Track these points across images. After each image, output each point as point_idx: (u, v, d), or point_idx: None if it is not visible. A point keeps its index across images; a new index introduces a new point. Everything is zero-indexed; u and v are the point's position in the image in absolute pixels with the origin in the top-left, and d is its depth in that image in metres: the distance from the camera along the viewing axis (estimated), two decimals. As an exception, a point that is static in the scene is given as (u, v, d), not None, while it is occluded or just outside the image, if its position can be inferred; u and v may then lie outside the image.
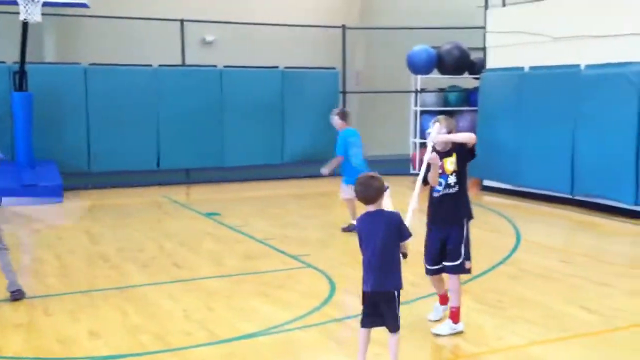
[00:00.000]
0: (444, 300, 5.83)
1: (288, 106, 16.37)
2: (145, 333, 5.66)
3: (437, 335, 5.51)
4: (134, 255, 8.47)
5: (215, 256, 8.44)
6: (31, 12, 12.10)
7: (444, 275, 5.72)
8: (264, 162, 16.18)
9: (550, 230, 10.32)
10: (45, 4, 12.30)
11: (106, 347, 5.40)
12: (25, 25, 12.43)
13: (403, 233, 4.62)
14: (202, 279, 7.40)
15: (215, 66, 15.99)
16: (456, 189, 5.54)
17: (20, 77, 13.15)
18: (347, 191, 9.36)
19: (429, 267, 5.70)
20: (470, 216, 5.66)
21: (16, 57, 13.25)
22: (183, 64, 15.84)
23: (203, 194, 13.99)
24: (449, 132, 5.55)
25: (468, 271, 5.65)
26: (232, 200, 13.13)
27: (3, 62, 13.86)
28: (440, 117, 5.72)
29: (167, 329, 5.75)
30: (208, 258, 8.37)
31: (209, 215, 11.07)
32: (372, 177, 4.65)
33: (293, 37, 18.28)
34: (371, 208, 4.65)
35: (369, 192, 4.61)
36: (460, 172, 5.54)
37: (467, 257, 5.56)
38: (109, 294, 6.84)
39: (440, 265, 5.65)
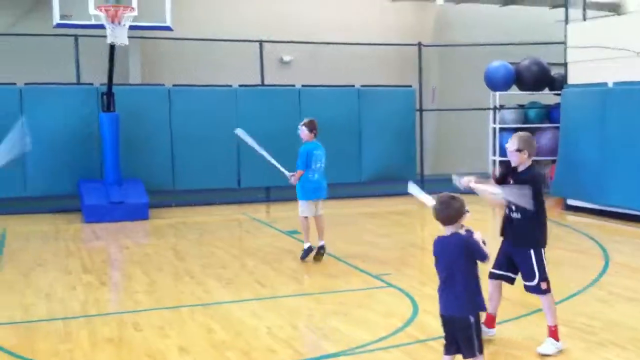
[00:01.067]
0: (489, 321, 5.80)
1: (365, 124, 16.45)
2: (231, 349, 5.78)
3: (544, 355, 5.45)
4: (218, 272, 8.66)
5: (296, 274, 8.55)
6: (118, 35, 12.57)
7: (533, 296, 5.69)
8: (342, 180, 16.25)
9: (639, 252, 9.99)
10: (131, 28, 12.77)
11: (195, 362, 5.56)
12: (112, 48, 12.92)
13: (479, 256, 4.49)
14: (284, 297, 7.50)
15: (293, 85, 16.25)
16: (519, 216, 5.53)
17: (107, 98, 13.68)
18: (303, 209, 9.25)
19: (491, 269, 5.76)
20: (538, 244, 5.59)
21: (104, 79, 13.80)
22: (262, 84, 16.15)
23: (283, 212, 14.16)
24: (519, 150, 5.56)
25: (544, 292, 5.58)
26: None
27: (91, 84, 14.46)
28: (516, 134, 5.70)
29: (253, 346, 5.85)
30: (289, 276, 8.48)
31: (290, 233, 11.21)
32: (453, 197, 4.51)
33: (368, 55, 18.41)
34: (448, 230, 4.54)
35: (449, 212, 4.49)
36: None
37: (542, 278, 5.54)
38: (195, 310, 7.02)
39: (502, 273, 5.73)
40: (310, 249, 9.13)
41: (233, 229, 12.24)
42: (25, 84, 14.08)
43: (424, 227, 13.01)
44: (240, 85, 15.71)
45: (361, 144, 16.44)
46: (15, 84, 14.03)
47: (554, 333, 5.52)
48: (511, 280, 5.81)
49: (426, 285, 7.72)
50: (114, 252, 10.47)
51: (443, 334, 4.62)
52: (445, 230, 4.56)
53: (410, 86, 17.15)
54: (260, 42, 16.31)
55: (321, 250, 9.12)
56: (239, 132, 9.90)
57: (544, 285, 5.54)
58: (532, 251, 5.53)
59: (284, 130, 15.72)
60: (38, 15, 15.17)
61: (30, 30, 15.19)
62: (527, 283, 5.59)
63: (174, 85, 15.22)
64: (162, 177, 14.37)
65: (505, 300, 5.99)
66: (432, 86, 18.84)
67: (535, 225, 5.56)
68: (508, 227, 5.68)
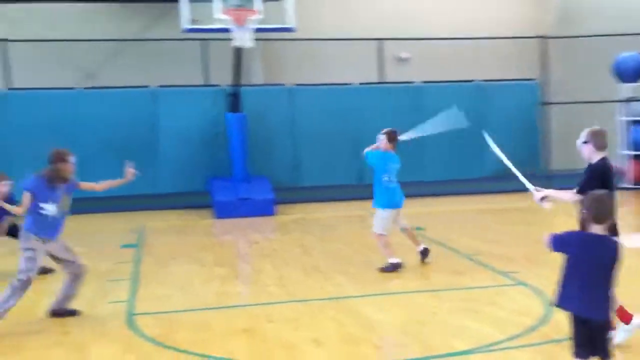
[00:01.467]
0: (622, 317, 5.62)
1: (486, 119, 16.15)
2: (363, 343, 5.89)
3: (620, 344, 5.43)
4: (344, 267, 8.83)
5: (421, 270, 8.58)
6: (243, 38, 13.02)
7: None
8: (463, 176, 16.12)
9: None
10: (255, 30, 13.18)
11: (328, 355, 5.70)
12: (238, 51, 13.39)
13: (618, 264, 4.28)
14: (411, 293, 7.55)
15: (412, 82, 16.23)
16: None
17: (234, 99, 14.19)
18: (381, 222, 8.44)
19: None
20: None
21: (229, 80, 14.33)
22: (381, 82, 16.23)
23: (404, 208, 14.14)
24: (585, 143, 5.61)
25: None
26: (433, 214, 13.21)
27: (218, 86, 15.05)
28: (591, 128, 5.68)
29: (384, 341, 5.96)
30: (415, 272, 8.52)
31: (415, 229, 11.20)
32: (607, 195, 4.34)
33: (487, 50, 18.07)
34: (598, 229, 4.27)
35: (605, 210, 4.27)
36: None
37: None
38: (325, 304, 7.21)
39: None
40: (398, 265, 8.45)
41: (356, 224, 12.39)
42: (158, 86, 14.84)
43: (551, 223, 12.65)
44: (359, 83, 15.87)
45: (482, 138, 16.14)
46: (148, 86, 14.83)
47: (620, 317, 5.52)
48: None
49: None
50: (244, 247, 10.89)
51: (573, 335, 4.50)
52: (593, 229, 4.30)
53: (533, 79, 16.72)
54: (379, 40, 16.40)
55: (427, 252, 8.82)
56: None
57: None
58: None
59: (404, 125, 15.69)
60: (168, 21, 15.93)
61: (161, 35, 15.99)
62: None
63: (295, 85, 15.58)
64: (287, 174, 14.77)
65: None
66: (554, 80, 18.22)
67: None
68: None
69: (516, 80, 16.73)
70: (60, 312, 6.84)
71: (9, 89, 14.39)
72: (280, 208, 13.85)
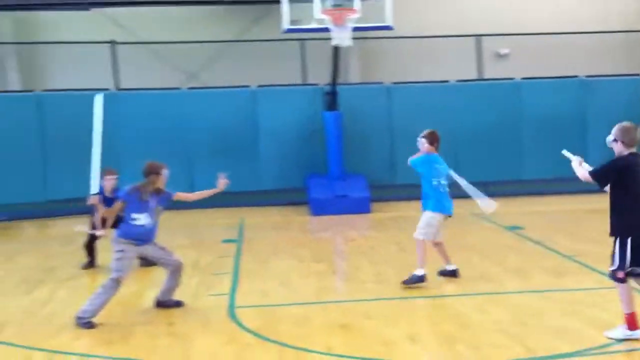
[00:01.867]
0: (630, 322, 5.71)
1: (590, 116, 15.66)
2: (460, 342, 5.86)
3: (609, 338, 5.70)
4: (441, 266, 8.77)
5: (521, 271, 8.42)
6: (342, 37, 13.11)
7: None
8: (563, 174, 15.59)
9: None
10: (353, 29, 13.25)
11: (425, 353, 5.72)
12: (336, 49, 13.50)
13: None
14: (510, 293, 7.44)
15: (512, 79, 15.90)
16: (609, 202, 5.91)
17: (331, 97, 14.34)
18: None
19: None
20: (621, 233, 5.83)
21: (327, 79, 14.48)
22: (480, 79, 15.98)
23: (502, 207, 13.83)
24: (614, 141, 5.93)
25: (619, 280, 5.80)
26: (531, 213, 12.93)
27: (316, 84, 15.23)
28: (619, 124, 5.90)
29: (482, 341, 5.90)
30: (514, 272, 8.38)
31: (511, 228, 11.04)
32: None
33: (591, 43, 17.46)
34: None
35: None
36: (612, 188, 5.93)
37: (620, 267, 5.78)
38: (421, 302, 7.21)
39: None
40: (423, 278, 7.78)
41: (453, 223, 12.16)
42: (258, 86, 15.19)
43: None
44: (457, 81, 15.68)
45: (586, 136, 15.67)
46: (248, 86, 15.20)
47: (627, 321, 5.67)
48: None
49: (667, 287, 7.25)
50: (340, 244, 11.02)
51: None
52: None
53: (640, 75, 16.07)
54: (478, 36, 16.16)
55: (455, 274, 8.15)
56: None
57: (619, 274, 5.77)
58: (617, 239, 5.84)
59: (504, 124, 15.47)
60: (267, 22, 16.27)
61: (260, 36, 16.34)
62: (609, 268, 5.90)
63: (393, 83, 15.57)
64: (383, 172, 14.77)
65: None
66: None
67: (617, 213, 5.91)
68: None
69: (623, 75, 16.09)
70: (166, 303, 7.15)
71: (118, 89, 15.08)
72: (376, 206, 13.90)
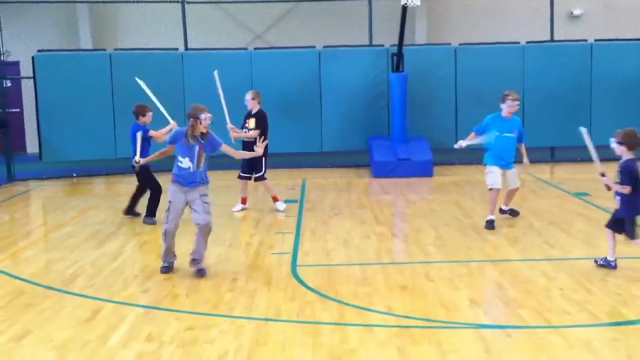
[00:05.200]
0: None
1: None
2: (524, 307, 5.83)
3: None
4: (505, 230, 8.70)
5: (587, 237, 8.26)
6: (411, -3, 12.87)
7: None
8: (636, 140, 15.15)
9: None
10: (422, -12, 12.98)
11: (486, 316, 5.71)
12: (404, 9, 13.28)
13: None
14: (576, 260, 7.32)
15: (584, 40, 15.38)
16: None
17: (397, 59, 14.16)
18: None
19: None
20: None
21: (393, 40, 14.29)
22: (551, 40, 15.52)
23: (569, 173, 13.63)
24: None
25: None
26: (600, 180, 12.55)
27: (382, 46, 15.06)
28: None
29: (545, 306, 5.84)
30: (580, 239, 8.23)
31: (578, 195, 10.80)
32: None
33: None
34: None
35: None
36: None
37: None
38: (484, 265, 7.17)
39: None
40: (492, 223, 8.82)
41: (519, 189, 12.06)
42: (324, 46, 15.12)
43: None
44: (527, 42, 15.26)
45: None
46: (314, 46, 15.15)
47: None
48: None
49: None
50: (402, 206, 11.00)
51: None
52: None
53: None
54: (550, -5, 15.64)
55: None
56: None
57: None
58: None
59: (574, 88, 15.02)
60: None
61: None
62: None
63: (460, 44, 15.27)
64: (446, 135, 14.58)
65: None
66: None
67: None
68: None
69: None
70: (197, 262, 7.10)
71: (187, 49, 15.26)
72: (438, 169, 13.78)
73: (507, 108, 9.00)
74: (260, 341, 5.25)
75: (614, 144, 6.84)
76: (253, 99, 10.16)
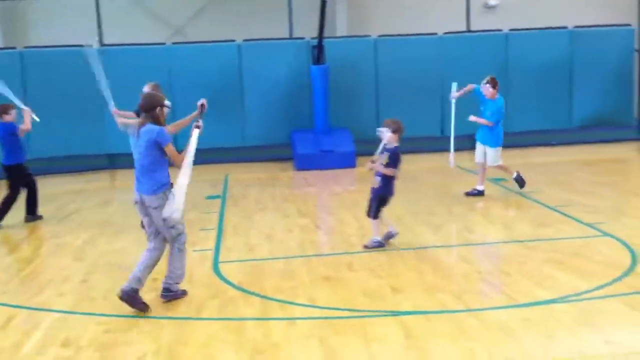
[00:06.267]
0: None
1: (577, 67, 15.60)
2: (443, 292, 5.92)
3: None
4: (426, 218, 8.83)
5: (505, 221, 8.48)
6: (328, -11, 12.86)
7: None
8: (551, 126, 15.66)
9: None
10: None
11: (408, 302, 5.76)
12: (323, 2, 13.27)
13: None
14: (494, 244, 7.50)
15: (499, 30, 15.75)
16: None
17: (318, 51, 14.17)
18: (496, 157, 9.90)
19: None
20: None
21: (314, 32, 14.29)
22: (468, 30, 15.83)
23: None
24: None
25: None
26: (518, 166, 12.83)
27: (302, 38, 15.04)
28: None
29: (464, 290, 5.96)
30: (498, 223, 8.43)
31: (496, 181, 11.06)
32: None
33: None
34: None
35: None
36: None
37: None
38: (405, 254, 7.25)
39: None
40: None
41: (439, 176, 12.30)
42: (244, 40, 14.99)
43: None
44: (445, 33, 15.53)
45: (572, 88, 15.65)
46: (234, 40, 15.00)
47: None
48: None
49: (647, 235, 7.34)
50: (326, 198, 11.03)
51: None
52: None
53: (629, 25, 15.94)
54: (466, -14, 15.95)
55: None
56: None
57: None
58: None
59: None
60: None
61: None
62: None
63: (379, 36, 15.40)
64: (368, 126, 14.65)
65: None
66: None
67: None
68: None
69: (611, 26, 15.96)
70: None
71: (102, 45, 14.85)
72: (361, 160, 13.84)
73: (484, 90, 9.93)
74: (181, 340, 5.15)
75: (387, 132, 7.41)
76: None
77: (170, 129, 6.11)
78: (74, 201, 11.21)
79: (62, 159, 14.27)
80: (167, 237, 5.94)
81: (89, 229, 8.99)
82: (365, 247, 7.44)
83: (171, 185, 5.90)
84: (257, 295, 6.09)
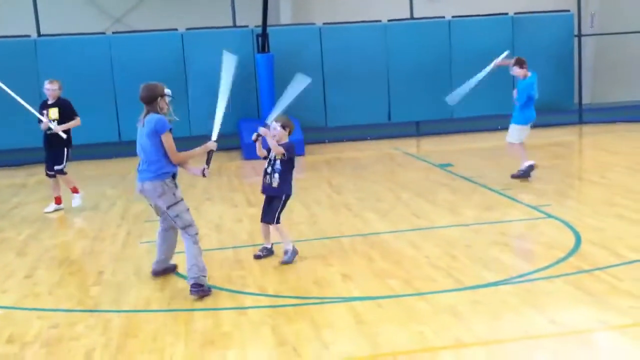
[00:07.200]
0: None
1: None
2: (393, 278, 5.97)
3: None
4: (374, 204, 8.88)
5: (452, 206, 8.58)
6: (270, -23, 12.79)
7: None
8: (493, 112, 15.91)
9: None
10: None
11: (358, 289, 5.79)
12: (266, -11, 13.20)
13: None
14: (441, 228, 7.58)
15: (442, 17, 15.92)
16: None
17: (262, 39, 14.08)
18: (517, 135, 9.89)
19: None
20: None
21: (257, 21, 14.20)
22: (411, 18, 15.95)
23: (434, 146, 14.14)
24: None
25: None
26: (462, 151, 13.14)
27: (246, 27, 14.93)
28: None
29: (413, 275, 6.01)
30: (445, 208, 8.53)
31: (442, 166, 11.21)
32: None
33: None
34: None
35: None
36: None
37: None
38: (355, 240, 7.28)
39: None
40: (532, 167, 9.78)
41: (386, 163, 12.40)
42: (186, 29, 14.78)
43: (582, 157, 12.53)
44: (389, 20, 15.61)
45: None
46: (176, 29, 14.78)
47: None
48: None
49: (589, 216, 7.53)
50: (274, 187, 10.97)
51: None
52: None
53: (568, 11, 16.30)
54: (408, -27, 16.05)
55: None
56: None
57: None
58: None
59: (434, 63, 15.54)
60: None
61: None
62: None
63: (324, 24, 15.39)
64: (316, 115, 14.72)
65: None
66: (590, 12, 17.75)
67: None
68: None
69: (551, 12, 16.30)
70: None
71: (39, 35, 14.45)
72: (309, 148, 13.89)
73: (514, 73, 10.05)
74: (130, 333, 5.07)
75: (277, 128, 6.83)
76: (60, 88, 9.29)
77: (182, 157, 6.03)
78: (15, 195, 10.92)
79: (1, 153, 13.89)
80: (177, 226, 5.95)
81: (32, 224, 8.77)
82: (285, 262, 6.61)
83: (173, 175, 5.89)
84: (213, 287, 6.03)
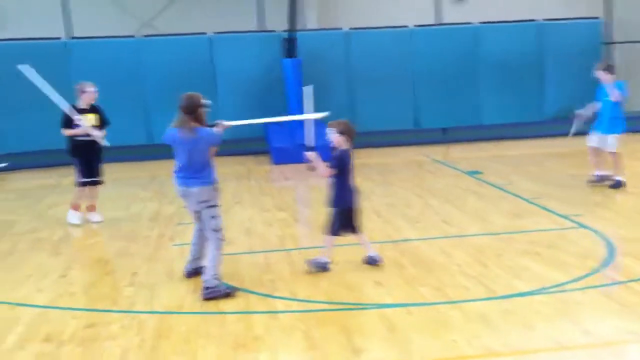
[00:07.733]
0: None
1: (546, 60, 15.82)
2: (424, 285, 5.97)
3: None
4: (403, 211, 8.88)
5: (481, 214, 8.56)
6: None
7: None
8: (522, 119, 15.86)
9: None
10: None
11: (389, 296, 5.80)
12: (293, -5, 13.27)
13: None
14: (471, 236, 7.56)
15: (470, 23, 15.89)
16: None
17: (289, 44, 14.15)
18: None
19: None
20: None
21: (284, 25, 14.27)
22: (438, 23, 15.94)
23: (462, 153, 14.10)
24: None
25: None
26: (491, 158, 13.09)
27: (274, 31, 15.01)
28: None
29: (445, 282, 6.01)
30: (475, 215, 8.50)
31: (471, 173, 11.18)
32: None
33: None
34: None
35: None
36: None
37: None
38: (385, 247, 7.28)
39: None
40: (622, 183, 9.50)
41: (414, 169, 12.40)
42: (214, 33, 14.90)
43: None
44: (415, 25, 15.61)
45: (543, 81, 15.86)
46: (205, 33, 14.90)
47: None
48: None
49: (622, 227, 7.48)
50: (303, 191, 11.05)
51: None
52: None
53: (597, 18, 16.19)
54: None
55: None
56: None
57: None
58: None
59: (460, 68, 15.51)
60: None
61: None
62: None
63: (350, 29, 15.43)
64: (344, 118, 14.70)
65: None
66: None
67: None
68: None
69: (578, 19, 16.21)
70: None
71: (71, 37, 14.65)
72: (337, 153, 13.89)
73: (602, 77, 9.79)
74: (163, 335, 5.13)
75: (333, 135, 6.65)
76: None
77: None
78: (48, 196, 11.08)
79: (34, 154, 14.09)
80: (209, 228, 6.12)
81: (66, 225, 8.88)
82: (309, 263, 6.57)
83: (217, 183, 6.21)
84: (238, 288, 6.08)
